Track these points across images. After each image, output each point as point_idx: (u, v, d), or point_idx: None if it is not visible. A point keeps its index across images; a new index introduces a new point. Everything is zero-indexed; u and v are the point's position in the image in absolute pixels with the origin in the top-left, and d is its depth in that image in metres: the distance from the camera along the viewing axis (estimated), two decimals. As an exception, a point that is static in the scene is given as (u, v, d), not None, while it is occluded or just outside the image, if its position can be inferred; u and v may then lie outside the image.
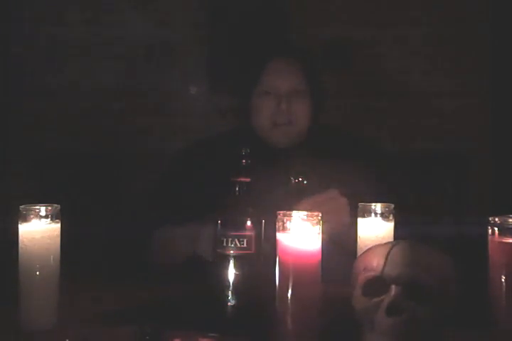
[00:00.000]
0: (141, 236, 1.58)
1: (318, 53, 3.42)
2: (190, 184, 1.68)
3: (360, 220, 1.36)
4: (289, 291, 1.04)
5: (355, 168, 1.62)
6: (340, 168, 1.62)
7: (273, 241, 1.09)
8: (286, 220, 1.07)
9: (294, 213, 1.08)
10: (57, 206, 1.16)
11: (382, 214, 1.34)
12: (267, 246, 1.18)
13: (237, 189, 1.21)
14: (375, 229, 1.34)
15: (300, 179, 1.53)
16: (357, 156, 1.71)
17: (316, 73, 1.78)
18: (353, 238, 1.37)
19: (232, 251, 1.17)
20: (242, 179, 1.22)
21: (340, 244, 1.39)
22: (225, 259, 1.18)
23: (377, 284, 1.01)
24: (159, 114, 3.57)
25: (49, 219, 1.14)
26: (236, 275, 1.17)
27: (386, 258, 1.02)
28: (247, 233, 1.18)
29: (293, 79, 1.71)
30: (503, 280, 1.03)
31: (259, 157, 1.27)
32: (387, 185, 1.67)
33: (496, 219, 1.06)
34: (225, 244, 1.17)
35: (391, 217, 1.35)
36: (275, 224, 1.08)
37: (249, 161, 1.22)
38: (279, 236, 1.07)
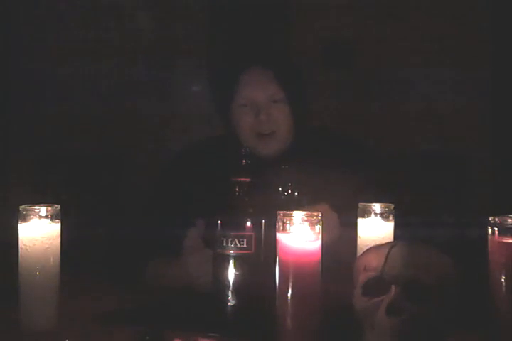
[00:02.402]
0: (140, 236, 1.58)
1: (319, 53, 3.43)
2: (190, 184, 1.68)
3: (360, 220, 1.36)
4: (289, 291, 1.04)
5: (347, 171, 1.61)
6: (332, 172, 1.61)
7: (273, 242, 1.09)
8: (286, 220, 1.07)
9: (294, 213, 1.08)
10: (57, 206, 1.16)
11: (382, 214, 1.34)
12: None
13: (237, 189, 1.21)
14: (375, 229, 1.34)
15: (290, 192, 1.51)
16: (348, 158, 1.70)
17: (296, 79, 1.75)
18: (346, 249, 1.37)
19: (232, 251, 1.17)
20: (242, 179, 1.22)
21: (331, 257, 1.38)
22: (225, 259, 1.18)
23: (377, 284, 1.01)
24: (160, 113, 3.57)
25: (49, 219, 1.14)
26: (236, 275, 1.17)
27: (386, 258, 1.02)
28: (247, 233, 1.18)
29: (269, 89, 1.68)
30: (503, 280, 1.03)
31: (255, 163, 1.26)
32: (382, 185, 1.66)
33: (496, 219, 1.06)
34: (225, 244, 1.17)
35: (391, 217, 1.35)
36: (275, 224, 1.08)
37: (249, 161, 1.22)
38: (279, 236, 1.07)
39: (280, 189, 1.50)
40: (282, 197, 1.49)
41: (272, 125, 1.68)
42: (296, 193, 1.50)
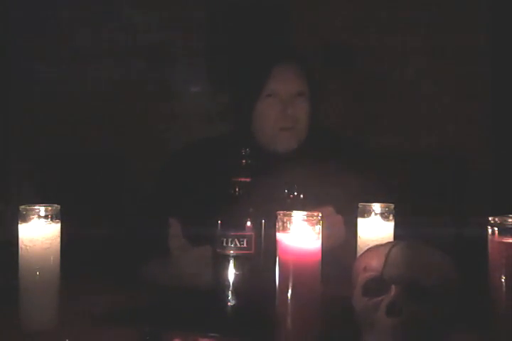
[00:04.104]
0: (140, 236, 1.58)
1: (320, 55, 3.43)
2: (190, 184, 1.68)
3: (360, 220, 1.36)
4: (289, 291, 1.04)
5: (353, 171, 1.62)
6: (339, 172, 1.62)
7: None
8: (286, 220, 1.07)
9: (294, 213, 1.08)
10: (57, 206, 1.16)
11: (382, 214, 1.35)
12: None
13: (237, 189, 1.21)
14: (375, 229, 1.34)
15: (296, 193, 1.51)
16: (351, 160, 1.72)
17: (316, 76, 1.79)
18: (350, 252, 1.37)
19: (232, 251, 1.17)
20: (242, 179, 1.22)
21: (335, 260, 1.38)
22: (225, 259, 1.18)
23: (377, 284, 1.01)
24: (160, 113, 3.57)
25: (49, 219, 1.14)
26: (236, 275, 1.17)
27: (386, 258, 1.02)
28: (247, 233, 1.18)
29: (297, 83, 1.72)
30: (503, 280, 1.03)
31: (258, 162, 1.26)
32: (387, 185, 1.67)
33: (496, 219, 1.06)
34: (225, 244, 1.17)
35: (391, 217, 1.35)
36: (275, 224, 1.08)
37: (249, 161, 1.22)
38: (279, 236, 1.07)
39: (286, 191, 1.49)
40: (288, 200, 1.48)
41: (295, 120, 1.71)
42: (301, 196, 1.50)
